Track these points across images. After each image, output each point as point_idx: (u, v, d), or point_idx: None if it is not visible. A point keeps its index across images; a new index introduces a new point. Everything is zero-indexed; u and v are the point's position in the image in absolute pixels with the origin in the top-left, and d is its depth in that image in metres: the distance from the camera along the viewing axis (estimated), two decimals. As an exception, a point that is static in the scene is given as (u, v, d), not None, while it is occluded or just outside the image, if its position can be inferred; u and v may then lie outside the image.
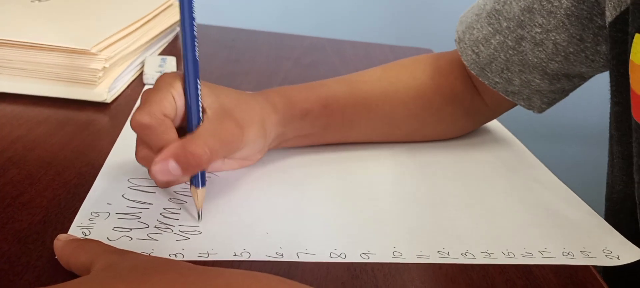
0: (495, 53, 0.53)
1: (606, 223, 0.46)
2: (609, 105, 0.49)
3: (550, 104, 0.57)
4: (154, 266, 0.29)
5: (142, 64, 0.69)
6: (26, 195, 0.41)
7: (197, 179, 0.40)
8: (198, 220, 0.41)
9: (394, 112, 0.55)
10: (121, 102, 0.60)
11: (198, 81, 0.40)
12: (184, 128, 0.40)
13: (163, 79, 0.40)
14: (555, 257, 0.41)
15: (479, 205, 0.47)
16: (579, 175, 1.00)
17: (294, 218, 0.42)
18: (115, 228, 0.39)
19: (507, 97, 0.56)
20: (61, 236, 0.35)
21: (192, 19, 0.39)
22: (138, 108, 0.39)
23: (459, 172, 0.53)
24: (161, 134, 0.38)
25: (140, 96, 0.41)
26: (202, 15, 0.99)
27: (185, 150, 0.38)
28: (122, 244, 0.37)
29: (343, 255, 0.39)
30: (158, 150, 0.38)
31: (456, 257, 0.40)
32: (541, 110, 0.57)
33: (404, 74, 0.57)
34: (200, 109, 0.40)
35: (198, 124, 0.40)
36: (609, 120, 0.51)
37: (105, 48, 0.60)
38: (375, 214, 0.44)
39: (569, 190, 0.51)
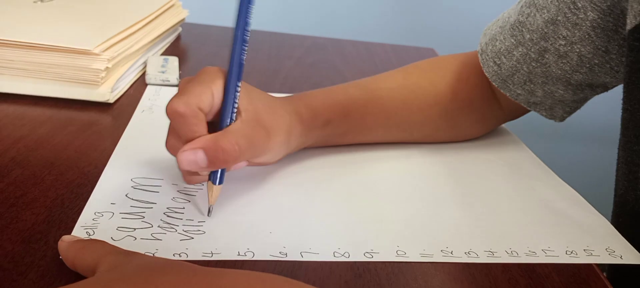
0: (518, 65, 0.53)
1: (609, 223, 0.46)
2: (619, 108, 0.49)
3: (572, 112, 0.57)
4: (159, 267, 0.29)
5: (145, 64, 0.69)
6: (30, 195, 0.41)
7: (216, 175, 0.41)
8: (207, 216, 0.41)
9: (410, 119, 0.56)
10: (124, 102, 0.60)
11: (239, 84, 0.41)
12: (214, 124, 0.41)
13: (206, 73, 0.41)
14: (558, 255, 0.41)
15: (482, 204, 0.47)
16: (581, 175, 1.00)
17: (297, 218, 0.42)
18: (119, 228, 0.39)
19: (528, 108, 0.56)
20: (65, 237, 0.35)
21: (247, 24, 0.40)
22: (175, 95, 0.40)
23: (462, 172, 0.53)
24: (192, 125, 0.39)
25: (178, 84, 0.42)
26: (203, 16, 1.00)
27: (216, 144, 0.39)
28: (126, 244, 0.37)
29: (347, 255, 0.39)
30: (186, 140, 0.39)
31: (459, 256, 0.40)
32: (562, 119, 0.57)
33: (424, 81, 0.57)
34: (235, 110, 0.41)
35: (230, 123, 0.41)
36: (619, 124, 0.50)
37: (108, 48, 0.60)
38: (379, 213, 0.44)
39: (572, 189, 0.51)
